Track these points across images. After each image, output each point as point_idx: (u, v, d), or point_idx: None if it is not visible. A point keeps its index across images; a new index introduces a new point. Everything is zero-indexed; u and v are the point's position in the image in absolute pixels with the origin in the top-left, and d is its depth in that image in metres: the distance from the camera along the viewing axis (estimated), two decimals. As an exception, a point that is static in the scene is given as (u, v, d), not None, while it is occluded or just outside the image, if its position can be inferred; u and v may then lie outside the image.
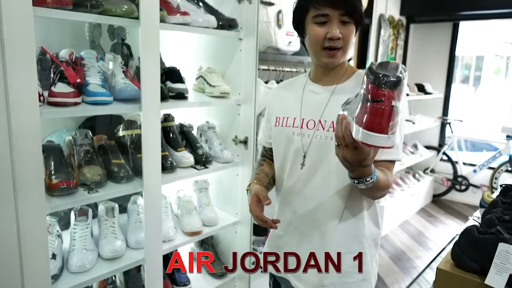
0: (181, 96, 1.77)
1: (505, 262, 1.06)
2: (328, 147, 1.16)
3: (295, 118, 1.24)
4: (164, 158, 1.73)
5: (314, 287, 1.23)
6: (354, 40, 1.18)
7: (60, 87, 1.38)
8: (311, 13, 1.13)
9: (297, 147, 1.22)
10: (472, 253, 1.14)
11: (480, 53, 7.88)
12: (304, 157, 1.21)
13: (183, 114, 2.20)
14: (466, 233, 1.17)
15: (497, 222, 1.22)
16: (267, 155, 1.39)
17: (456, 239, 1.22)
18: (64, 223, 1.77)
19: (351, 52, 3.97)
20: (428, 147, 5.03)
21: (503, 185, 1.66)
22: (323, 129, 1.18)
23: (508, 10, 4.13)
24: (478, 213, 1.78)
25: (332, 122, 1.13)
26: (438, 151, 4.98)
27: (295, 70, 2.58)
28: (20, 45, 1.16)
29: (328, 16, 1.10)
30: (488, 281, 1.07)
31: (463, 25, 4.85)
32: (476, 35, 6.35)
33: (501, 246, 1.08)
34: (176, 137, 1.92)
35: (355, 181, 1.01)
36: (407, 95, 3.94)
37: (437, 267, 1.18)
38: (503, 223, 1.21)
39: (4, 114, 1.17)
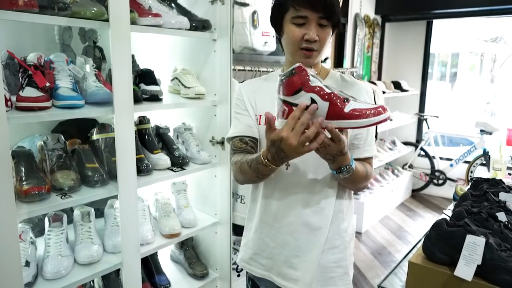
0: (155, 98, 1.76)
1: (472, 253, 1.09)
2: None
3: (274, 117, 1.23)
4: (139, 160, 1.71)
5: (299, 284, 1.24)
6: (329, 41, 1.20)
7: (29, 92, 1.35)
8: (290, 13, 1.14)
9: None
10: (442, 245, 1.17)
11: (456, 50, 8.07)
12: None
13: (160, 116, 2.18)
14: (436, 227, 1.20)
15: (466, 214, 1.25)
16: (247, 147, 1.25)
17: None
18: (39, 230, 1.74)
19: (328, 52, 4.01)
20: (406, 143, 5.12)
21: (473, 178, 1.70)
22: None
23: (478, 8, 4.25)
24: (451, 206, 1.83)
25: None
26: (416, 146, 5.07)
27: (271, 70, 2.58)
28: (-16, 50, 1.14)
29: (307, 18, 1.11)
30: (457, 272, 1.10)
31: (438, 23, 4.96)
32: (451, 33, 6.49)
33: (469, 238, 1.11)
34: (151, 139, 1.91)
35: (337, 171, 1.09)
36: (384, 92, 4.01)
37: (409, 261, 1.20)
38: (471, 215, 1.24)
39: (-31, 120, 1.14)
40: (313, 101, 0.96)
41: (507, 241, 1.16)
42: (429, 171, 4.99)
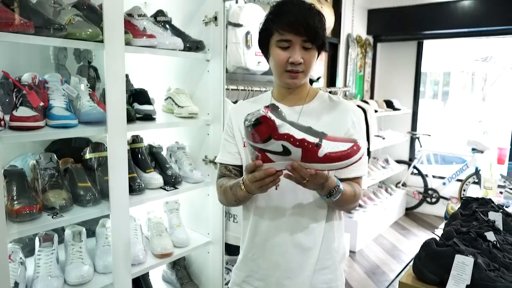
0: (148, 117, 1.77)
1: (461, 273, 1.10)
2: None
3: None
4: (132, 179, 1.72)
5: None
6: (315, 63, 1.22)
7: (22, 111, 1.36)
8: (275, 37, 1.17)
9: None
10: (431, 265, 1.18)
11: (447, 69, 8.21)
12: None
13: (153, 135, 2.19)
14: (425, 246, 1.21)
15: (455, 234, 1.27)
16: (230, 174, 1.32)
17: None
18: (29, 250, 1.72)
19: (321, 71, 4.07)
20: (399, 161, 5.15)
21: (463, 198, 1.72)
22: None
23: (467, 29, 4.35)
24: (443, 225, 1.84)
25: None
26: (409, 165, 5.11)
27: (264, 89, 2.62)
28: (-21, 71, 1.15)
29: (291, 42, 1.15)
30: (446, 292, 1.11)
31: (429, 43, 5.06)
32: (443, 52, 6.62)
33: (458, 258, 1.12)
34: (144, 158, 1.92)
35: (327, 196, 1.10)
36: (376, 111, 4.05)
37: (399, 281, 1.21)
38: (460, 235, 1.26)
39: (-38, 140, 1.15)
40: (284, 147, 0.98)
41: (495, 261, 1.17)
42: (422, 190, 5.01)
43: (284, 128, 0.98)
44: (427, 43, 5.05)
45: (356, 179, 1.25)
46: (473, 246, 1.21)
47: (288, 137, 0.98)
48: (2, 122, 1.31)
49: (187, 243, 2.01)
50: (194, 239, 2.09)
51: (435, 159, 6.14)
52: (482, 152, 4.47)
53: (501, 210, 1.55)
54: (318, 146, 0.98)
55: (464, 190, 4.51)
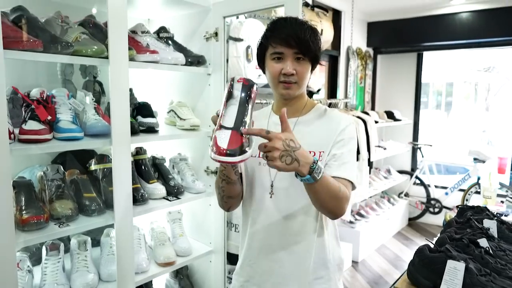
0: (151, 130, 1.83)
1: (453, 278, 1.14)
2: (291, 173, 1.19)
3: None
4: (135, 190, 1.77)
5: None
6: (309, 75, 1.27)
7: (31, 125, 1.43)
8: (269, 51, 1.23)
9: (264, 177, 1.28)
10: (424, 271, 1.22)
11: (450, 79, 8.25)
12: (272, 186, 1.28)
13: (156, 147, 2.25)
14: (419, 253, 1.25)
15: (448, 241, 1.30)
16: None
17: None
18: (36, 259, 1.77)
19: (322, 83, 4.13)
20: (401, 172, 5.18)
21: (459, 206, 1.76)
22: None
23: (466, 41, 4.42)
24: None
25: None
26: (411, 175, 5.13)
27: (264, 101, 2.68)
28: (-9, 87, 1.21)
29: (283, 54, 1.20)
30: (439, 296, 1.14)
31: (431, 53, 5.13)
32: (445, 63, 6.68)
33: (450, 263, 1.15)
34: (148, 169, 1.97)
35: (309, 173, 1.04)
36: (376, 122, 4.10)
37: (394, 287, 1.24)
38: (453, 241, 1.29)
39: (-26, 153, 1.21)
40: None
41: (487, 266, 1.20)
42: (425, 200, 5.03)
43: (230, 101, 1.05)
44: (427, 54, 5.11)
45: (341, 180, 1.19)
46: (465, 252, 1.24)
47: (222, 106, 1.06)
48: (12, 135, 1.37)
49: (190, 252, 2.05)
50: (197, 248, 2.13)
51: (439, 169, 6.15)
52: (483, 161, 4.49)
53: (495, 218, 1.59)
54: (220, 128, 1.01)
55: (466, 200, 4.52)
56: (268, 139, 1.00)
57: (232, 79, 1.08)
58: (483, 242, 1.32)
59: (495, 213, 1.75)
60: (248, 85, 1.07)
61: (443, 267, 1.16)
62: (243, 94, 1.06)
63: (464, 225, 1.50)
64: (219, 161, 0.99)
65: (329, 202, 1.16)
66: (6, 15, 1.44)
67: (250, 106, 1.07)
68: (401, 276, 1.52)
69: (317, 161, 1.06)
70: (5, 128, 1.27)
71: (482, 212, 1.66)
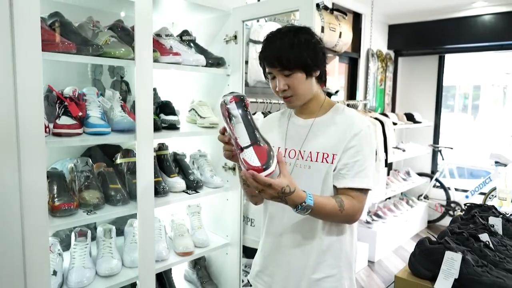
0: (173, 127, 1.95)
1: (450, 268, 1.20)
2: (306, 174, 1.30)
3: (279, 148, 1.38)
4: (157, 183, 1.89)
5: None
6: (306, 85, 1.27)
7: (64, 120, 1.57)
8: (265, 70, 1.32)
9: None
10: (424, 261, 1.29)
11: (477, 82, 8.11)
12: None
13: (178, 143, 2.38)
14: (419, 244, 1.32)
15: (449, 234, 1.36)
16: None
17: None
18: (66, 245, 1.91)
19: (341, 84, 4.19)
20: (421, 174, 5.16)
21: (467, 204, 1.81)
22: (302, 158, 1.32)
23: (488, 43, 4.39)
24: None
25: (310, 152, 1.30)
26: (431, 178, 5.11)
27: (282, 102, 2.77)
28: (30, 85, 1.35)
29: (272, 73, 1.29)
30: (436, 285, 1.21)
31: (456, 56, 5.10)
32: (471, 66, 6.58)
33: (447, 254, 1.22)
34: (169, 164, 2.09)
35: (295, 210, 1.16)
36: (395, 124, 4.13)
37: (395, 275, 1.31)
38: (453, 235, 1.35)
39: (14, 144, 1.35)
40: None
41: (485, 259, 1.26)
42: (444, 202, 5.00)
43: (234, 121, 1.13)
44: (451, 57, 5.09)
45: (354, 191, 1.24)
46: (464, 245, 1.31)
47: (230, 129, 1.14)
48: (47, 129, 1.51)
49: (207, 243, 2.16)
50: (214, 240, 2.24)
51: (462, 173, 6.07)
52: (505, 165, 4.44)
53: (501, 216, 1.63)
54: (242, 150, 1.10)
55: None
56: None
57: (224, 102, 1.16)
58: (485, 237, 1.37)
59: (510, 214, 1.79)
60: (239, 100, 1.16)
61: (441, 258, 1.23)
62: (240, 111, 1.14)
63: (469, 221, 1.55)
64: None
65: (331, 220, 1.27)
66: (44, 21, 1.58)
67: (250, 116, 1.16)
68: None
69: (305, 203, 1.14)
70: (41, 123, 1.41)
71: (489, 210, 1.70)
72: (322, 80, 1.34)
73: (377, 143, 3.40)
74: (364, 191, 1.26)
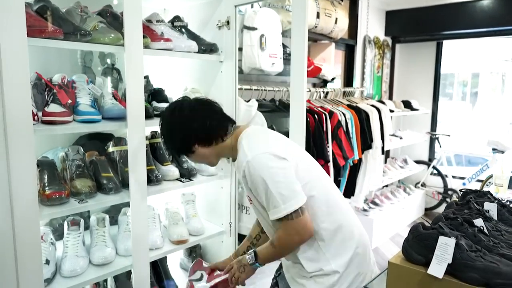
0: (165, 114, 1.93)
1: (444, 253, 1.19)
2: (257, 212, 1.46)
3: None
4: (150, 171, 1.88)
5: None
6: (203, 152, 1.48)
7: (53, 108, 1.54)
8: None
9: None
10: (417, 247, 1.27)
11: (476, 70, 8.07)
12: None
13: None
14: (413, 230, 1.30)
15: (444, 219, 1.35)
16: None
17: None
18: (59, 234, 1.91)
19: (337, 71, 4.15)
20: (418, 162, 5.15)
21: (462, 190, 1.79)
22: (251, 202, 1.45)
23: (486, 29, 4.34)
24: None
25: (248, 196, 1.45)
26: (428, 165, 5.10)
27: (277, 89, 2.75)
28: (16, 71, 1.32)
29: None
30: (430, 270, 1.19)
31: (455, 43, 5.05)
32: (469, 53, 6.54)
33: (441, 239, 1.20)
34: (162, 152, 2.07)
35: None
36: (392, 111, 4.10)
37: (388, 261, 1.30)
38: (448, 220, 1.34)
39: (2, 132, 1.32)
40: None
41: (479, 244, 1.24)
42: (442, 190, 5.00)
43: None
44: (449, 43, 5.04)
45: (278, 221, 1.31)
46: (458, 230, 1.29)
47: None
48: (36, 117, 1.48)
49: (202, 231, 2.15)
50: (209, 228, 2.23)
51: (460, 161, 6.07)
52: (502, 152, 4.43)
53: (496, 201, 1.62)
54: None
55: (484, 190, 4.48)
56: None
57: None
58: (479, 222, 1.36)
59: (505, 200, 1.78)
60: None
61: (435, 243, 1.21)
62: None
63: (463, 207, 1.54)
64: None
65: (280, 256, 1.48)
66: (30, 6, 1.54)
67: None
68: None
69: (252, 262, 1.42)
70: (29, 111, 1.38)
71: (484, 196, 1.69)
72: (213, 134, 1.46)
73: (373, 131, 3.38)
74: (285, 217, 1.29)
